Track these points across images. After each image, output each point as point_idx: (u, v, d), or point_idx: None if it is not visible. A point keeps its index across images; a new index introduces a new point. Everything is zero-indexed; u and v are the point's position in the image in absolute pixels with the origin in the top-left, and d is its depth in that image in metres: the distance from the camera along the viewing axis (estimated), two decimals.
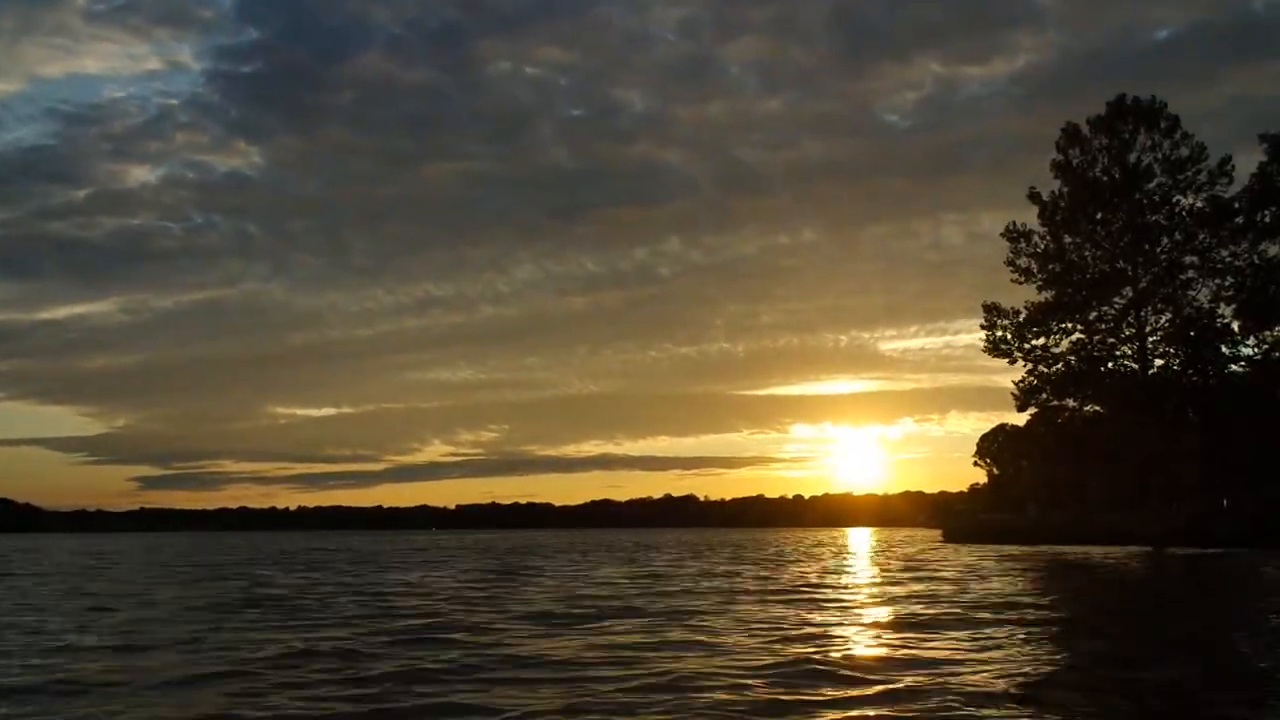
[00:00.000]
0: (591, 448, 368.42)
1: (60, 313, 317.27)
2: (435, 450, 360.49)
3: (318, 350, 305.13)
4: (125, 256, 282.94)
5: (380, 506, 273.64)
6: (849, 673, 11.04)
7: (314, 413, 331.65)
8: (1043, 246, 61.14)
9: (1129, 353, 60.42)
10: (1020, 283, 61.65)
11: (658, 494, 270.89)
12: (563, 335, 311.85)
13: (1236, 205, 56.91)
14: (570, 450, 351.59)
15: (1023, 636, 14.32)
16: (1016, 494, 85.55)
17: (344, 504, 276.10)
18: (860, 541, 77.74)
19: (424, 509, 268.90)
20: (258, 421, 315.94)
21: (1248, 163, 56.85)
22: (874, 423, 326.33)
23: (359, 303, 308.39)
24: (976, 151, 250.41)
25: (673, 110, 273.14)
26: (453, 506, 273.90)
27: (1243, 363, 58.88)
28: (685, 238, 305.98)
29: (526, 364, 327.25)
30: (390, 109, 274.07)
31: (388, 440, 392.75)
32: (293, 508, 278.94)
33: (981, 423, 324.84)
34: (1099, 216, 60.42)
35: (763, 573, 32.03)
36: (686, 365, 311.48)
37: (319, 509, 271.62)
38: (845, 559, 44.36)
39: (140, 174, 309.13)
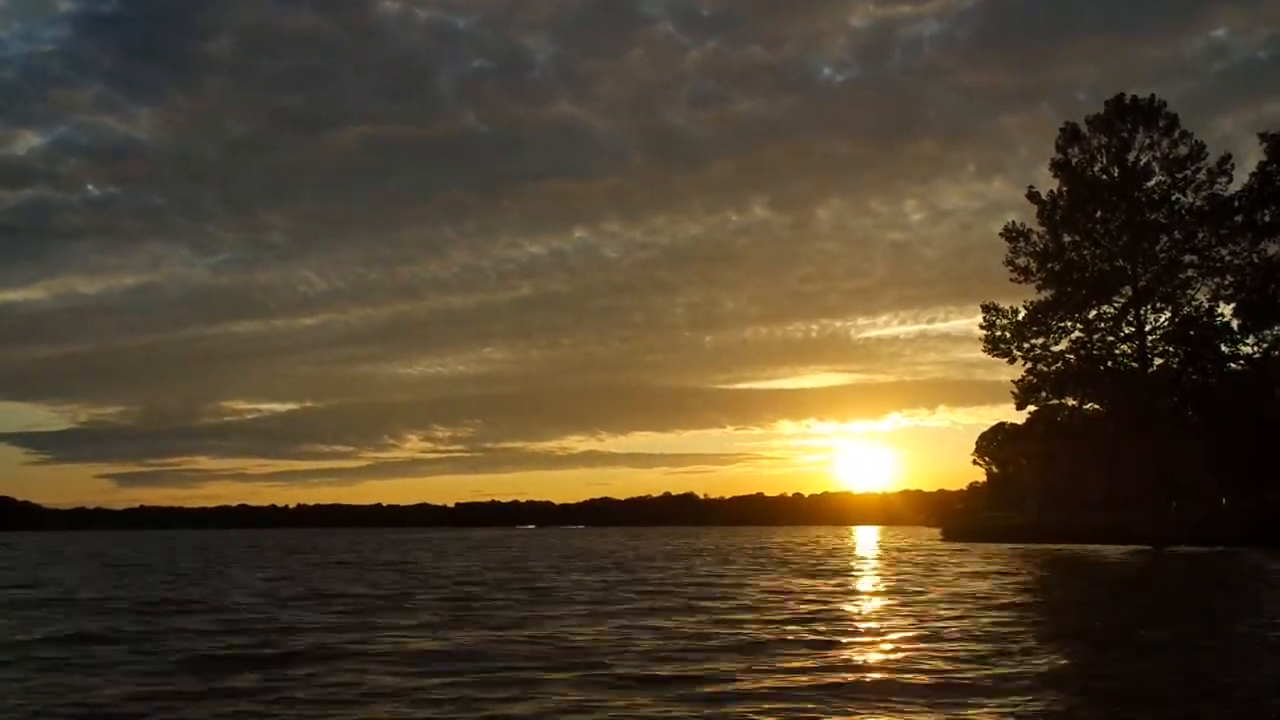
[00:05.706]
0: (575, 443, 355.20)
1: None
2: (413, 446, 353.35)
3: (265, 340, 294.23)
4: (36, 234, 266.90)
5: (380, 504, 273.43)
6: None
7: (278, 407, 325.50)
8: (1042, 245, 61.13)
9: (1129, 351, 60.36)
10: (1019, 281, 61.75)
11: (654, 492, 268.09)
12: (516, 323, 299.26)
13: (1236, 203, 56.80)
14: (554, 447, 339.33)
15: None
16: (1016, 493, 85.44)
17: (340, 501, 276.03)
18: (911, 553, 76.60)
19: (424, 506, 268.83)
20: (222, 416, 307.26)
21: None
22: (861, 418, 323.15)
23: (290, 287, 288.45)
24: (928, 111, 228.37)
25: (587, 63, 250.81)
26: (452, 504, 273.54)
27: (1242, 361, 58.77)
28: (625, 215, 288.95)
29: (484, 355, 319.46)
30: (275, 60, 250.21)
31: (362, 436, 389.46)
32: (291, 505, 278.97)
33: (973, 418, 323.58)
34: (1098, 215, 60.42)
35: None
36: (653, 356, 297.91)
37: (318, 506, 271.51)
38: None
39: (29, 139, 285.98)
